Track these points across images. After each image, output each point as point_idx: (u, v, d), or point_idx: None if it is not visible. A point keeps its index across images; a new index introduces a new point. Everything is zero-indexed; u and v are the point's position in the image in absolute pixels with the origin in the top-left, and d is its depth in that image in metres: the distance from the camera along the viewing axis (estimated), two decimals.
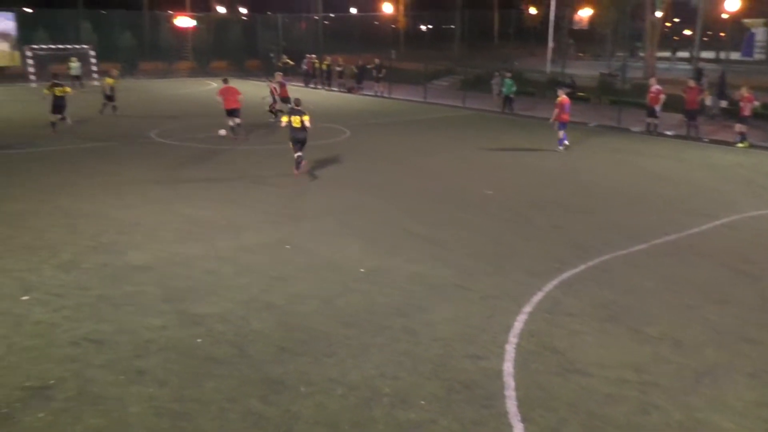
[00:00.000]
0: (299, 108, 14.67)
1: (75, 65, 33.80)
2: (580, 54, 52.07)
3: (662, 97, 21.66)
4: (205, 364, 6.47)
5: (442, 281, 8.79)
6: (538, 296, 8.33)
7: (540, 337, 7.20)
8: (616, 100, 26.62)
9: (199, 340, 6.96)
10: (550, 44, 37.78)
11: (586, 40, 53.26)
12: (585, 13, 47.30)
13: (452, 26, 56.52)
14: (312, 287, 8.48)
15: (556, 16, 40.32)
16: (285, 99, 23.21)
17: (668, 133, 22.14)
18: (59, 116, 19.93)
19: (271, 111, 23.17)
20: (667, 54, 46.68)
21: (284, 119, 14.88)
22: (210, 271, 8.98)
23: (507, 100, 27.27)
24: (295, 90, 35.84)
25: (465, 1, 56.84)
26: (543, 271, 9.20)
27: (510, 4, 59.46)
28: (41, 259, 9.27)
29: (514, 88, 27.28)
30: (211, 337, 7.04)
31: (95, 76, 37.46)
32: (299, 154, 14.66)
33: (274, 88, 23.46)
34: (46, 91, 19.90)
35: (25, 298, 7.96)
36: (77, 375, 6.22)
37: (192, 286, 8.45)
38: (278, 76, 24.39)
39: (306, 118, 14.38)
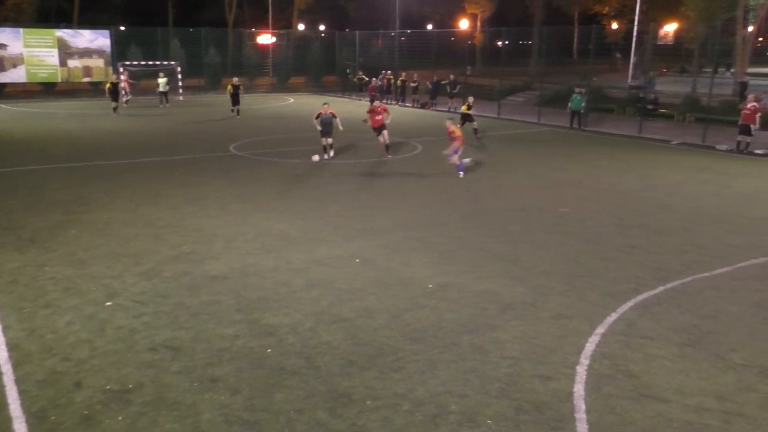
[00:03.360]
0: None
1: (162, 81, 34.01)
2: (665, 70, 50.47)
3: (759, 115, 20.75)
4: (274, 375, 6.59)
5: (514, 299, 8.65)
6: (612, 318, 8.07)
7: (614, 360, 6.97)
8: (702, 118, 25.61)
9: (269, 351, 7.11)
10: (632, 59, 36.87)
11: (671, 55, 51.56)
12: (670, 28, 45.85)
13: (530, 42, 55.96)
14: (381, 302, 8.51)
15: (640, 31, 39.28)
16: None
17: (759, 152, 21.07)
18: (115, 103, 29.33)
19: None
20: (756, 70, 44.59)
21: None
22: (282, 282, 9.17)
23: (575, 116, 26.82)
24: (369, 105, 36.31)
25: (544, 16, 56.21)
26: (619, 292, 8.91)
27: (591, 20, 58.40)
28: (125, 267, 9.71)
29: (582, 104, 26.87)
30: (281, 348, 7.17)
31: (181, 91, 39.10)
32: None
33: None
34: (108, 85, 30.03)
35: (108, 304, 8.36)
36: (154, 380, 6.47)
37: (264, 296, 8.65)
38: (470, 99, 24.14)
39: None
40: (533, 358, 7.00)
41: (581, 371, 6.71)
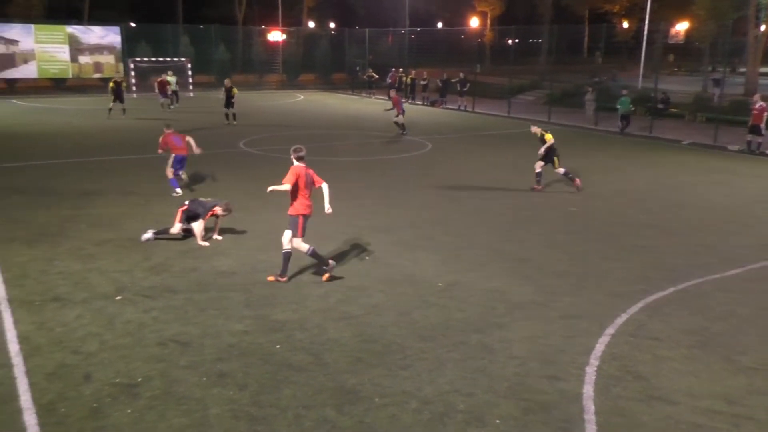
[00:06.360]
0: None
1: (172, 79, 31.46)
2: (675, 69, 50.19)
3: (766, 114, 20.56)
4: (282, 371, 6.60)
5: (522, 299, 8.62)
6: (621, 318, 8.03)
7: (623, 361, 6.93)
8: (713, 118, 25.44)
9: (278, 347, 7.11)
10: (642, 58, 36.70)
11: (681, 54, 51.30)
12: (681, 27, 45.57)
13: (539, 40, 55.79)
14: (389, 299, 8.50)
15: (650, 30, 39.05)
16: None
17: None
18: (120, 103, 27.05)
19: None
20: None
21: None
22: (290, 278, 9.17)
23: (623, 119, 25.58)
24: (379, 103, 36.32)
25: (554, 15, 56.03)
26: (628, 293, 8.86)
27: (601, 18, 58.13)
28: (135, 262, 9.74)
29: (630, 106, 25.70)
30: (290, 344, 7.18)
31: (191, 87, 39.14)
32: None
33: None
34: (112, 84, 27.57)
35: (118, 298, 8.39)
36: (163, 374, 6.48)
37: (273, 293, 8.65)
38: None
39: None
40: (542, 358, 6.97)
41: (590, 372, 6.67)
